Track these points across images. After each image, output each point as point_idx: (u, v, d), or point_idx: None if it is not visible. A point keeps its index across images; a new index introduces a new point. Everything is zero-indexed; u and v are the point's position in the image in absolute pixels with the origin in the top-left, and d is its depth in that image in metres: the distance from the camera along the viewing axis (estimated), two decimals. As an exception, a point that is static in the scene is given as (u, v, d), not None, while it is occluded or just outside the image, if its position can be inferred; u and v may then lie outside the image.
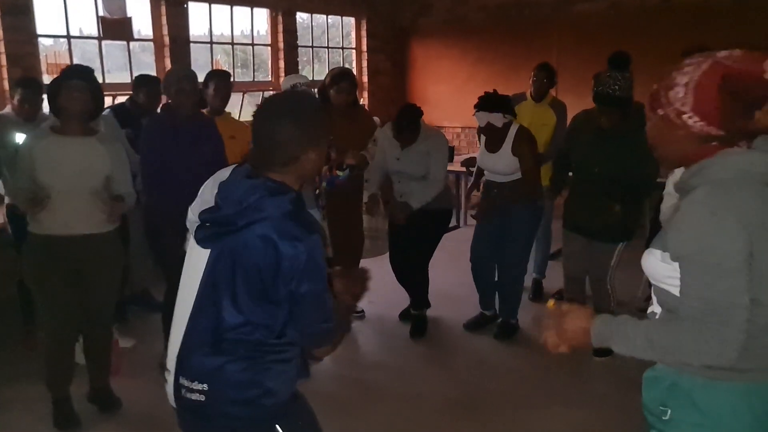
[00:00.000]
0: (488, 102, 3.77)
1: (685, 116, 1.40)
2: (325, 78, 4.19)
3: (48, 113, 4.11)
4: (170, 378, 1.70)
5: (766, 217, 1.36)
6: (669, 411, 1.49)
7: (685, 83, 1.39)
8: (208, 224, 1.64)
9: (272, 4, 6.51)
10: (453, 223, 4.69)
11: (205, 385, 1.62)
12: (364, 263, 4.25)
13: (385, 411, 3.27)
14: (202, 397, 1.62)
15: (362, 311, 4.47)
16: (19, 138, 3.69)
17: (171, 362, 1.70)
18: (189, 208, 2.30)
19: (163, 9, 5.53)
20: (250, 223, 1.55)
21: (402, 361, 3.89)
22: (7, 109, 3.97)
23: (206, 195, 1.86)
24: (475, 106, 3.80)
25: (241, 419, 1.65)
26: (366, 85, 7.77)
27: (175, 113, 3.42)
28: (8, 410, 3.25)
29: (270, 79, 6.70)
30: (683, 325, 1.38)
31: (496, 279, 4.18)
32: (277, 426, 1.68)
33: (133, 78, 4.57)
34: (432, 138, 4.00)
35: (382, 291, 4.38)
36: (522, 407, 3.27)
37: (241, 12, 6.39)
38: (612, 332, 1.46)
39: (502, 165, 3.89)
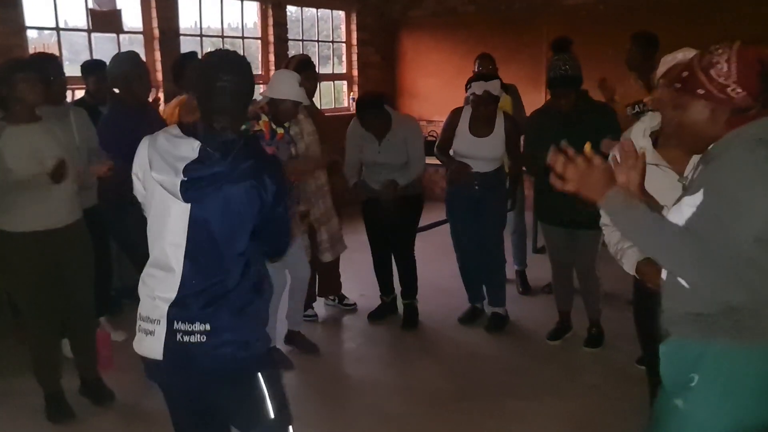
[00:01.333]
0: (483, 76, 3.90)
1: (729, 89, 1.53)
2: (287, 64, 4.08)
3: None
4: (158, 327, 1.76)
5: None
6: (696, 377, 1.58)
7: (727, 59, 1.53)
8: (201, 181, 1.72)
9: (262, -3, 6.48)
10: (442, 217, 4.69)
11: (207, 325, 1.72)
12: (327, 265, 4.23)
13: (376, 402, 3.30)
14: (204, 338, 1.72)
15: (354, 304, 4.49)
16: None
17: (159, 312, 1.76)
18: (132, 172, 1.91)
19: (153, 1, 5.50)
20: (238, 174, 1.71)
21: (393, 353, 3.92)
22: None
23: (142, 157, 1.79)
24: (470, 81, 3.89)
25: (234, 360, 1.76)
26: (356, 78, 7.76)
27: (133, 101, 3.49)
28: (1, 403, 3.25)
29: (260, 72, 6.67)
30: (690, 240, 1.48)
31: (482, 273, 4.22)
32: (259, 374, 1.82)
33: (81, 65, 4.29)
34: (406, 124, 4.05)
35: (373, 283, 4.41)
36: (513, 398, 3.30)
37: (232, 5, 6.37)
38: (621, 208, 1.55)
39: (490, 148, 3.90)
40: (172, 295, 1.75)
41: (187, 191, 1.71)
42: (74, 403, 3.15)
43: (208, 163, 1.70)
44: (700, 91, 1.56)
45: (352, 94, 7.65)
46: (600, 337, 3.84)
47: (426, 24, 7.64)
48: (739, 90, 1.52)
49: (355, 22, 7.65)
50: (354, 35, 7.68)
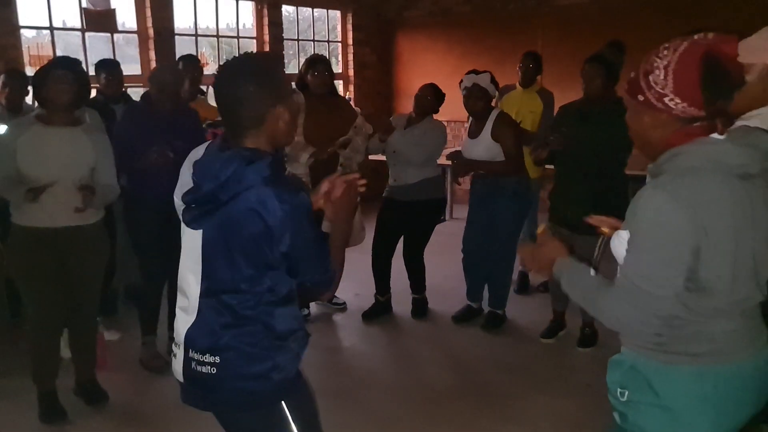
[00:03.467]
0: (474, 70, 3.95)
1: (666, 99, 1.40)
2: (301, 66, 4.18)
3: (32, 104, 4.11)
4: (179, 351, 1.72)
5: (729, 208, 1.40)
6: (627, 392, 1.55)
7: (665, 66, 1.40)
8: (193, 205, 1.65)
9: (257, -3, 6.48)
10: (441, 215, 4.72)
11: (216, 358, 1.65)
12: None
13: (371, 401, 3.30)
14: (214, 370, 1.66)
15: (344, 303, 4.49)
16: (2, 129, 3.66)
17: (179, 337, 1.72)
18: (174, 195, 2.27)
19: (148, 1, 5.49)
20: (234, 196, 1.56)
21: (387, 352, 3.92)
22: None
23: (185, 177, 1.80)
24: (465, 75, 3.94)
25: (249, 393, 1.68)
26: (352, 78, 7.76)
27: (155, 102, 3.44)
28: (-6, 404, 3.24)
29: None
30: (615, 293, 1.46)
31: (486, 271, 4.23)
32: (283, 403, 1.72)
33: (94, 65, 4.38)
34: (431, 123, 4.15)
35: (369, 283, 4.41)
36: (508, 397, 3.31)
37: (227, 4, 6.36)
38: (565, 273, 1.61)
39: (481, 150, 3.90)
40: (190, 320, 1.70)
41: (184, 216, 1.66)
42: (67, 404, 3.14)
43: (197, 189, 1.63)
44: (640, 98, 1.45)
45: (348, 94, 7.65)
46: (593, 337, 3.85)
47: (422, 24, 7.64)
48: (678, 100, 1.39)
49: (351, 22, 7.65)
50: (350, 35, 7.68)
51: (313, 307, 4.46)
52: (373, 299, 4.42)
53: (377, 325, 4.26)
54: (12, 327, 3.95)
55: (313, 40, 7.54)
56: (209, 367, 1.66)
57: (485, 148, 3.90)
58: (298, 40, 7.29)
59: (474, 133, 3.97)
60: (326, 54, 7.53)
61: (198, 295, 1.67)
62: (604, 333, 3.84)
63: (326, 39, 7.70)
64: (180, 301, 1.75)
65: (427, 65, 7.57)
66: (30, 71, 4.80)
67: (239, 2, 6.41)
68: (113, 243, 3.84)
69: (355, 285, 4.70)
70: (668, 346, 1.48)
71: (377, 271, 4.37)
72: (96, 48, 5.30)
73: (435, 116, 4.19)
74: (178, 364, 1.73)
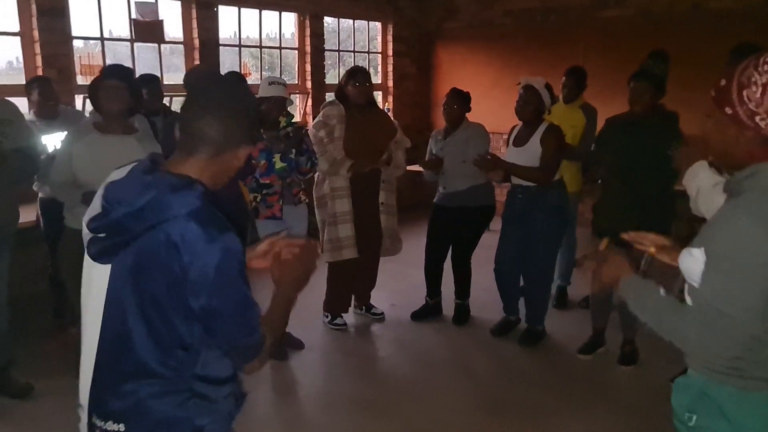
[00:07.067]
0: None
1: (758, 117, 1.35)
2: (342, 77, 4.23)
3: (67, 107, 4.24)
4: (83, 415, 1.45)
5: None
6: (695, 417, 1.51)
7: (764, 83, 1.33)
8: (101, 235, 1.36)
9: (300, 8, 6.57)
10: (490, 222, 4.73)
11: (121, 425, 1.37)
12: (382, 261, 4.37)
13: (406, 412, 3.28)
14: None
15: (382, 313, 4.50)
16: (46, 140, 3.76)
17: (83, 397, 1.45)
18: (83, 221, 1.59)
19: (194, 12, 5.61)
20: (150, 227, 1.29)
21: (423, 363, 3.89)
22: (29, 116, 3.94)
23: (97, 201, 1.42)
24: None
25: None
26: (391, 89, 7.80)
27: None
28: (41, 404, 3.32)
29: (297, 82, 6.75)
30: (693, 316, 1.42)
31: (520, 285, 4.20)
32: None
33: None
34: (472, 127, 4.21)
35: (404, 293, 4.41)
36: (545, 414, 3.26)
37: (270, 15, 6.46)
38: (634, 292, 1.57)
39: (525, 158, 3.85)
40: (89, 378, 1.41)
41: (90, 247, 1.37)
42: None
43: (104, 216, 1.34)
44: (728, 110, 1.39)
45: (387, 105, 7.68)
46: (634, 355, 3.77)
47: (462, 36, 7.64)
48: None
49: (391, 33, 7.70)
50: (390, 46, 7.73)
51: (351, 318, 4.47)
52: (410, 308, 4.43)
53: (415, 336, 4.25)
54: (57, 328, 4.05)
55: (353, 51, 7.61)
56: None
57: (532, 155, 3.83)
58: (338, 50, 7.36)
59: (521, 140, 3.92)
60: (366, 65, 7.59)
61: (96, 346, 1.39)
62: (645, 352, 3.76)
63: (366, 50, 7.76)
64: (84, 349, 1.45)
65: (467, 77, 7.56)
66: (81, 80, 4.97)
67: (282, 13, 6.51)
68: None
69: (391, 296, 4.71)
70: (745, 371, 1.43)
71: (428, 275, 4.46)
72: (143, 57, 5.44)
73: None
74: (83, 429, 1.45)
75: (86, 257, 1.41)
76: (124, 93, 2.97)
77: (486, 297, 4.46)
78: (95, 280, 1.39)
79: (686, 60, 5.33)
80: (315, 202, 4.15)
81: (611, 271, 1.63)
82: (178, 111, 1.69)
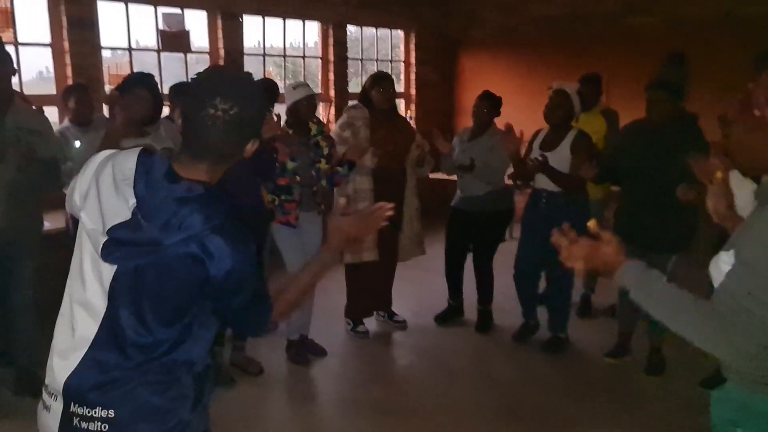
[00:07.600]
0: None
1: None
2: (365, 82, 4.25)
3: (99, 114, 4.33)
4: (56, 404, 1.43)
5: None
6: (739, 431, 1.46)
7: None
8: (122, 242, 1.39)
9: (323, 18, 6.63)
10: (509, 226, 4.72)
11: (111, 411, 1.39)
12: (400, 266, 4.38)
13: (427, 419, 3.27)
14: (105, 426, 1.39)
15: (404, 321, 4.48)
16: (80, 145, 3.87)
17: (56, 384, 1.44)
18: (72, 195, 1.60)
19: (219, 22, 5.69)
20: (177, 242, 1.36)
21: (447, 370, 3.87)
22: (65, 123, 4.07)
23: (86, 179, 1.50)
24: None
25: None
26: (413, 97, 7.81)
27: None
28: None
29: (320, 90, 6.80)
30: (724, 317, 1.35)
31: (539, 291, 4.19)
32: None
33: (169, 87, 4.50)
34: (498, 135, 4.14)
35: (426, 300, 4.40)
36: (567, 424, 3.22)
37: (294, 25, 6.53)
38: (639, 280, 1.48)
39: (556, 162, 3.78)
40: (73, 365, 1.42)
41: (109, 254, 1.39)
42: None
43: (136, 228, 1.38)
44: (757, 112, 1.39)
45: (409, 112, 7.69)
46: (662, 364, 3.71)
47: (485, 44, 7.63)
48: None
49: (413, 41, 7.72)
50: (413, 54, 7.74)
51: (373, 325, 4.47)
52: (432, 315, 4.43)
53: (437, 342, 4.24)
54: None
55: (376, 60, 7.64)
56: (99, 423, 1.39)
57: (560, 161, 3.78)
58: (361, 59, 7.40)
59: (549, 145, 3.87)
60: (388, 73, 7.60)
61: (93, 334, 1.42)
62: (672, 361, 3.70)
63: (389, 58, 7.79)
64: (64, 335, 1.48)
65: (491, 85, 7.43)
66: (108, 89, 5.06)
67: (305, 23, 6.57)
68: None
69: (413, 303, 4.70)
70: None
71: (449, 278, 4.50)
72: (170, 67, 5.53)
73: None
74: (52, 420, 1.43)
75: (85, 252, 1.46)
76: (146, 100, 3.01)
77: (508, 303, 4.43)
78: (95, 275, 1.43)
79: (710, 67, 5.27)
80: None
81: (606, 255, 1.54)
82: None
